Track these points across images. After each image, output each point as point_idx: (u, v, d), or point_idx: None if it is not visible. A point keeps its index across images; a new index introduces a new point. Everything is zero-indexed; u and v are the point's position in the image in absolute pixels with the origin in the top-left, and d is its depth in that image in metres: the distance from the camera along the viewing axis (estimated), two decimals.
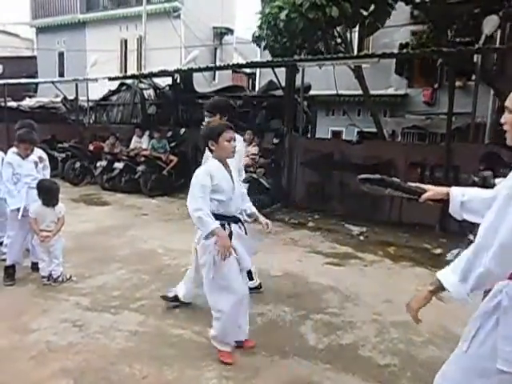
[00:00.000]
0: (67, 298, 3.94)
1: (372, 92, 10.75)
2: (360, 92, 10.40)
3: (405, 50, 8.85)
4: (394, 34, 12.41)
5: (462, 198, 1.90)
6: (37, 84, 19.32)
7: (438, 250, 5.88)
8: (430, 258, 5.64)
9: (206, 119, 3.70)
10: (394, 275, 4.99)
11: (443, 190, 1.99)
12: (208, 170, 2.94)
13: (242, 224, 3.12)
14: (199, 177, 2.89)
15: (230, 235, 2.92)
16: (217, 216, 2.87)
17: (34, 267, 4.54)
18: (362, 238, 6.53)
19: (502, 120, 1.67)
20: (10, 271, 4.32)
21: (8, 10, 57.77)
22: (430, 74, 13.47)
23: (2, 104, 15.61)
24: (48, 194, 4.22)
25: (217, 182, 2.89)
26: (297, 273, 4.83)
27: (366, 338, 3.41)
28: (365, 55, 7.73)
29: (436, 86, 13.83)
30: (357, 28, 10.38)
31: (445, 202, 1.96)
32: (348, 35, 9.71)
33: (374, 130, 10.57)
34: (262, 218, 3.20)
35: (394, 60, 11.48)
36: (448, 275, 1.63)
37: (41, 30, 22.04)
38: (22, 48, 27.90)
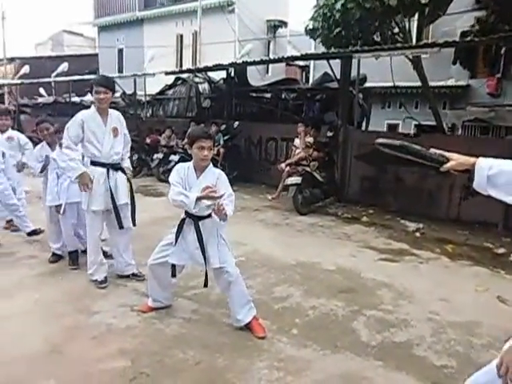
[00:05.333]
0: (125, 284, 4.13)
1: (431, 83, 10.31)
2: (418, 83, 10.00)
3: (469, 38, 8.37)
4: (455, 21, 11.80)
5: (489, 172, 1.66)
6: None
7: (501, 250, 5.56)
8: (492, 257, 5.35)
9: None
10: (451, 274, 4.78)
11: (469, 160, 1.74)
12: (179, 170, 3.25)
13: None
14: (173, 173, 3.24)
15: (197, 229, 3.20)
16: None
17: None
18: (417, 234, 6.31)
19: None
20: (73, 256, 4.60)
21: (73, 12, 61.05)
22: (495, 63, 12.71)
23: (67, 99, 16.54)
24: None
25: (185, 185, 3.19)
26: (349, 268, 4.76)
27: (421, 337, 3.30)
28: (425, 44, 7.39)
29: (499, 75, 13.01)
30: (415, 16, 9.94)
31: (470, 173, 1.72)
32: (406, 24, 9.35)
33: (433, 123, 10.14)
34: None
35: (454, 49, 10.88)
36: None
37: (102, 29, 23.04)
38: (85, 46, 29.38)
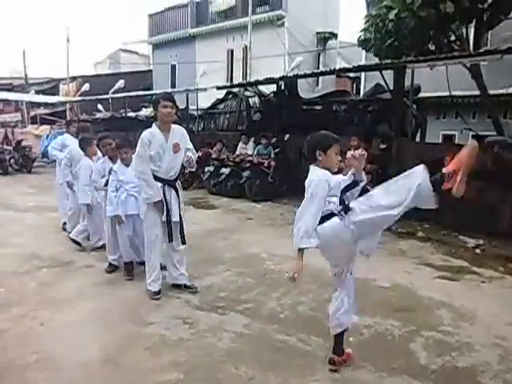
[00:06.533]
0: (178, 296, 4.17)
1: (490, 91, 9.83)
2: (476, 92, 9.57)
3: None
4: None
5: None
6: (152, 95, 20.98)
7: None
8: None
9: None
10: None
11: None
12: (325, 178, 2.84)
13: None
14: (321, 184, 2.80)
15: None
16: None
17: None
18: (478, 251, 5.98)
19: None
20: (129, 267, 4.72)
21: (129, 31, 64.37)
22: None
23: (123, 114, 17.27)
24: None
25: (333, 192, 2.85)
26: (405, 285, 4.57)
27: (487, 363, 3.08)
28: (485, 52, 7.05)
29: None
30: (473, 23, 9.53)
31: None
32: (463, 31, 8.99)
33: (492, 133, 9.63)
34: None
35: None
36: None
37: (156, 46, 23.91)
38: (140, 63, 30.63)
